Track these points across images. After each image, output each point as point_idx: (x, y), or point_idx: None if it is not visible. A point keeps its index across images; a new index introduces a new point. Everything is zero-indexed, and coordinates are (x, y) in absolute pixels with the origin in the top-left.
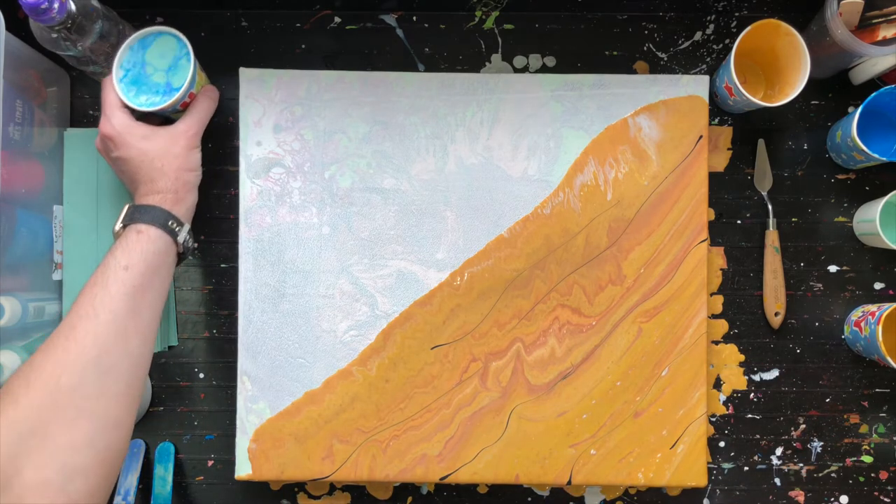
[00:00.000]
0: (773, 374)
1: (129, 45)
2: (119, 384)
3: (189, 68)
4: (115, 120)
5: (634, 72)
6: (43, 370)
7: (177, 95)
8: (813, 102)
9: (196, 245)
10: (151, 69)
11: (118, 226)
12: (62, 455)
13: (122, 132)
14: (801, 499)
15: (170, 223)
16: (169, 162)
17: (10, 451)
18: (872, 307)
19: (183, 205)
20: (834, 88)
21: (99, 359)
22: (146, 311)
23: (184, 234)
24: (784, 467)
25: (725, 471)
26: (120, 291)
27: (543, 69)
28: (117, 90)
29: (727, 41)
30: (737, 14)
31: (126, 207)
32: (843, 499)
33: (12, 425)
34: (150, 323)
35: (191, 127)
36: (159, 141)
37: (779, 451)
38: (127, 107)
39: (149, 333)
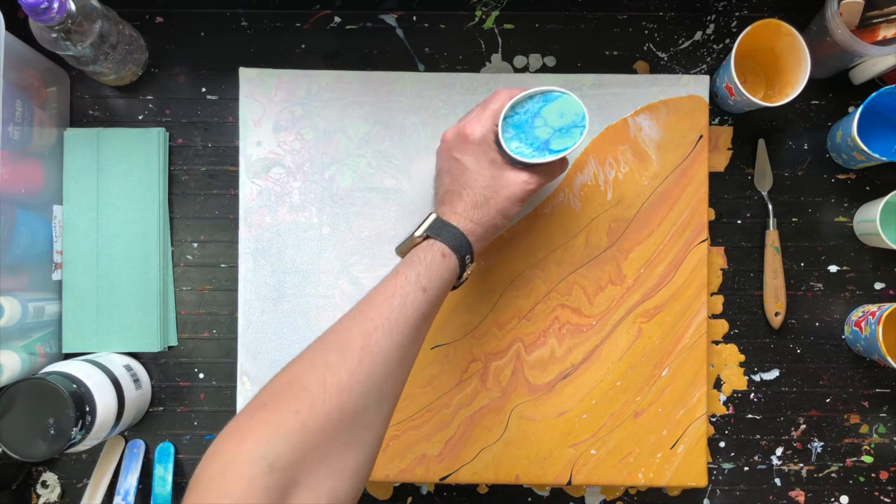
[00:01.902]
0: (773, 374)
1: (531, 94)
2: (383, 420)
3: (577, 141)
4: (484, 128)
5: (634, 72)
6: (339, 375)
7: (549, 158)
8: (813, 102)
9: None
10: (541, 122)
11: (421, 232)
12: (333, 480)
13: (482, 143)
14: (801, 499)
15: (466, 258)
16: (497, 200)
17: (294, 459)
18: (873, 307)
19: (481, 245)
20: (834, 88)
21: (382, 385)
22: (420, 343)
23: (465, 274)
24: (784, 467)
25: (726, 471)
26: (413, 315)
27: (543, 69)
28: (499, 123)
29: (727, 41)
30: (737, 14)
31: (434, 217)
32: (844, 499)
33: (303, 431)
34: (414, 358)
35: (533, 182)
36: (502, 175)
37: (779, 451)
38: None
39: (409, 370)
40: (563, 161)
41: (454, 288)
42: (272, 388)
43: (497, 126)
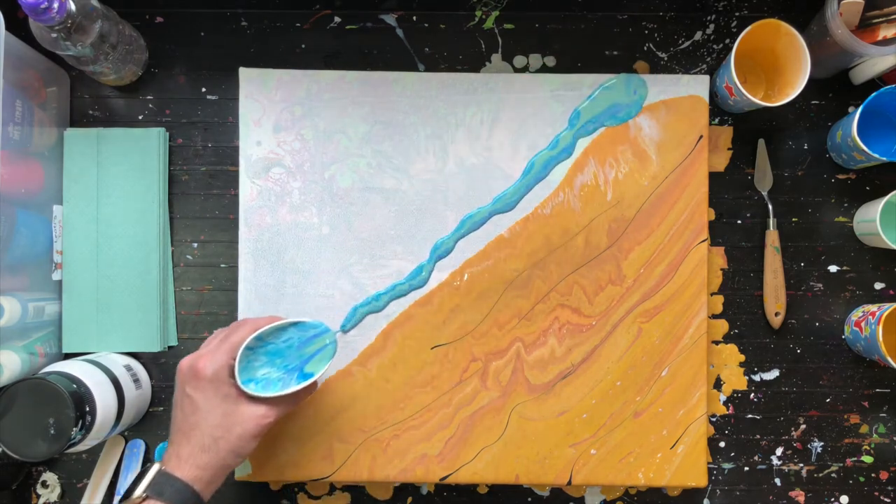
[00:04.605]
0: (773, 374)
1: (282, 324)
2: None
3: (326, 365)
4: (218, 363)
5: (635, 72)
6: None
7: (293, 388)
8: (813, 102)
9: None
10: (296, 349)
11: (140, 491)
12: None
13: (214, 379)
14: (801, 499)
15: None
16: (228, 440)
17: None
18: (873, 307)
19: (212, 488)
20: (834, 88)
21: None
22: None
23: None
24: (784, 467)
25: (725, 471)
26: None
27: (543, 69)
28: (238, 355)
29: (727, 41)
30: (737, 14)
31: (156, 470)
32: (844, 499)
33: None
34: None
35: (271, 414)
36: (236, 411)
37: (779, 451)
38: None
39: None
40: (312, 384)
41: None
42: None
43: (234, 360)
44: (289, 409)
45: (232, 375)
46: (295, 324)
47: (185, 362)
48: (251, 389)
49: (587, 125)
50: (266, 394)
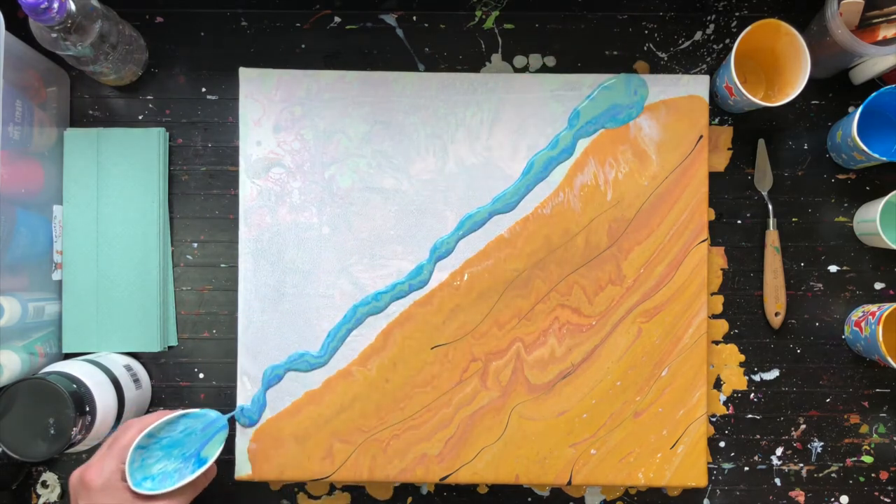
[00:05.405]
0: (773, 374)
1: (171, 418)
2: None
3: (221, 446)
4: (107, 471)
5: (634, 72)
6: None
7: (190, 478)
8: (813, 102)
9: None
10: (192, 435)
11: None
12: None
13: (105, 488)
14: (801, 499)
15: None
16: None
17: None
18: (873, 307)
19: None
20: (834, 88)
21: None
22: None
23: None
24: (784, 467)
25: (725, 471)
26: None
27: (543, 69)
28: (128, 457)
29: (727, 41)
30: (737, 14)
31: None
32: (844, 499)
33: None
34: None
35: None
36: None
37: (779, 451)
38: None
39: None
40: (212, 470)
41: None
42: None
43: (124, 463)
44: (191, 496)
45: (124, 479)
46: (185, 414)
47: (74, 475)
48: (146, 488)
49: (587, 126)
50: (161, 490)
